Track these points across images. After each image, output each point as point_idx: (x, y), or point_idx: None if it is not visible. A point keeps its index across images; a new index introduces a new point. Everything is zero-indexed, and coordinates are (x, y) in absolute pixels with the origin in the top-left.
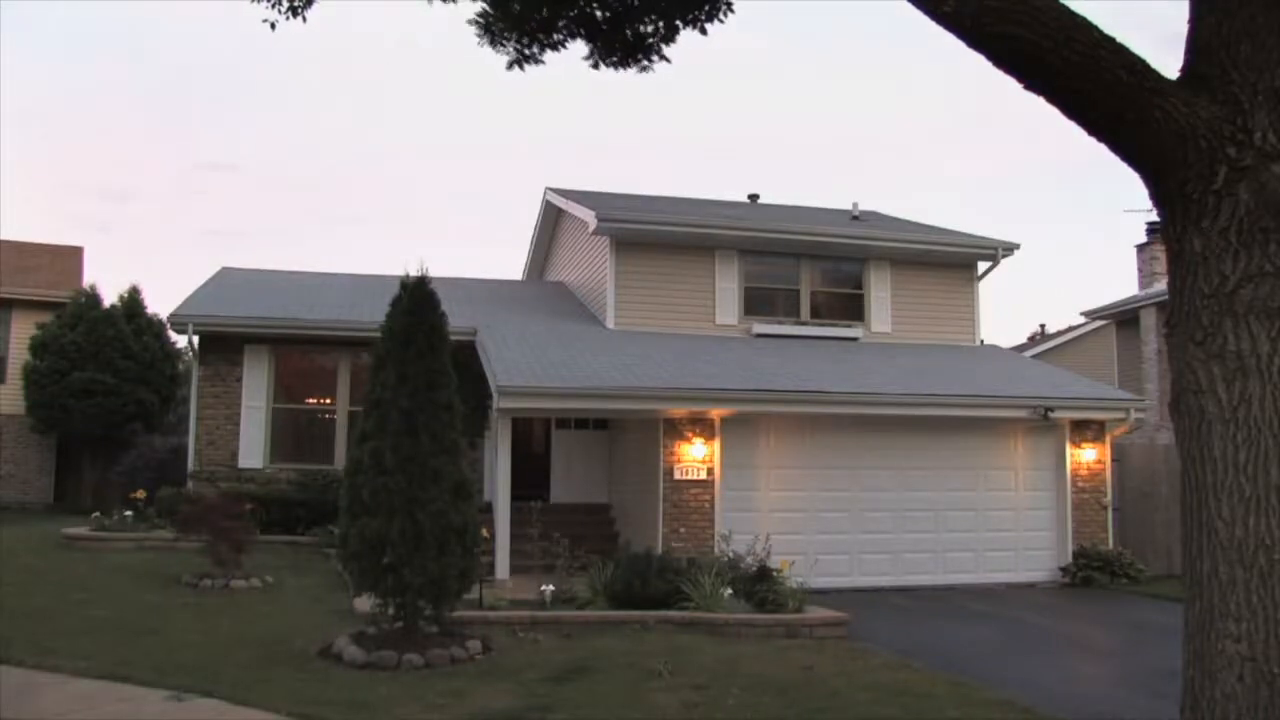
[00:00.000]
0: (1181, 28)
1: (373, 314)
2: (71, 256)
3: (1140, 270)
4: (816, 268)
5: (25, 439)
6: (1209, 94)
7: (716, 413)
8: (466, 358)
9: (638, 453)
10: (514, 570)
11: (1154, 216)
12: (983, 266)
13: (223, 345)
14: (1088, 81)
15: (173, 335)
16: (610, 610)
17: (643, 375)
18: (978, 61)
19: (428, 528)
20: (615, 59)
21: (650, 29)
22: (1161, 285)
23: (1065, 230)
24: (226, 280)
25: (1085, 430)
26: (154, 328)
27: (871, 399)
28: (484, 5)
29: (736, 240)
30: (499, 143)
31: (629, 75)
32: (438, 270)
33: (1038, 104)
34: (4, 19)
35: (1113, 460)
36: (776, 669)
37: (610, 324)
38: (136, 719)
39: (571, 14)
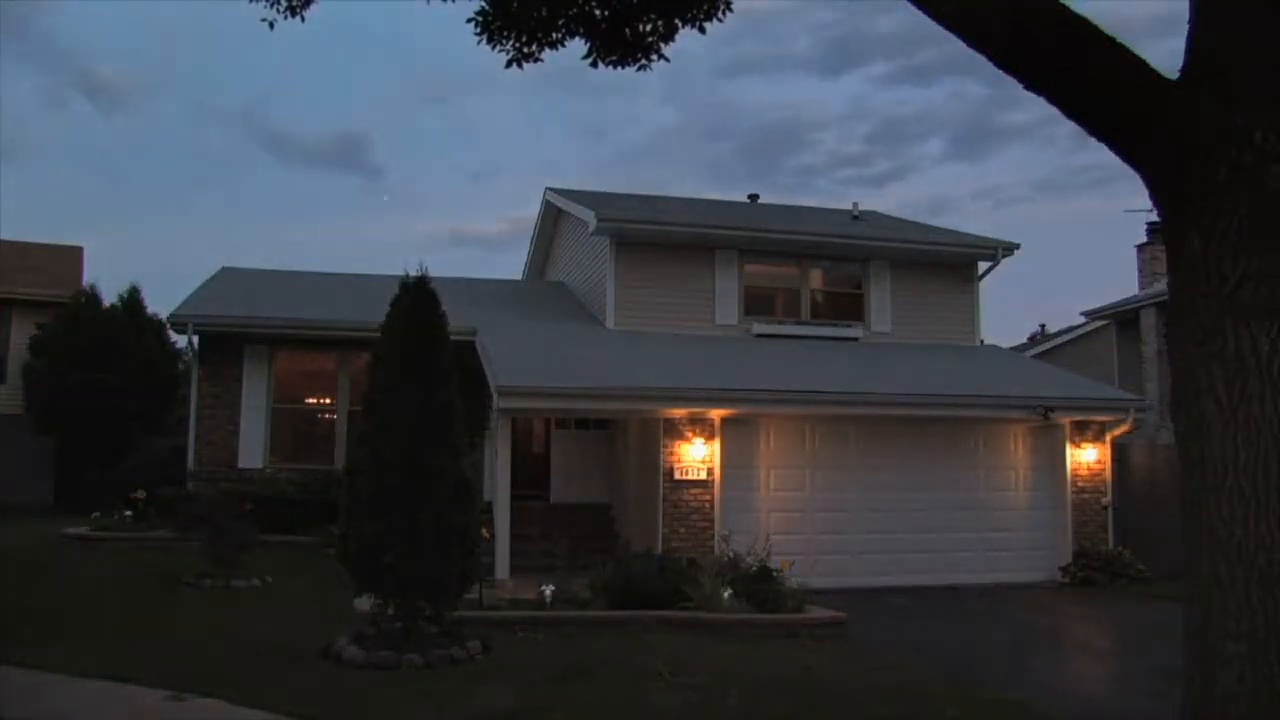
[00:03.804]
0: (1182, 27)
1: (373, 314)
2: (71, 256)
3: (1140, 270)
4: (816, 268)
5: (25, 439)
6: (1209, 94)
7: (716, 413)
8: (466, 358)
9: (638, 453)
10: (514, 570)
11: (1154, 216)
12: (983, 266)
13: (223, 345)
14: (1088, 82)
15: (173, 335)
16: (610, 610)
17: (643, 375)
18: (977, 60)
19: (428, 528)
20: (614, 57)
21: (649, 28)
22: (1161, 285)
23: (1065, 230)
24: (226, 280)
25: (1085, 430)
26: (154, 328)
27: (871, 399)
28: (483, 3)
29: (736, 240)
30: (500, 141)
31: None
32: (437, 270)
33: (1039, 103)
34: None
35: (1113, 460)
36: (776, 669)
37: (610, 324)
38: (136, 719)
39: (570, 13)
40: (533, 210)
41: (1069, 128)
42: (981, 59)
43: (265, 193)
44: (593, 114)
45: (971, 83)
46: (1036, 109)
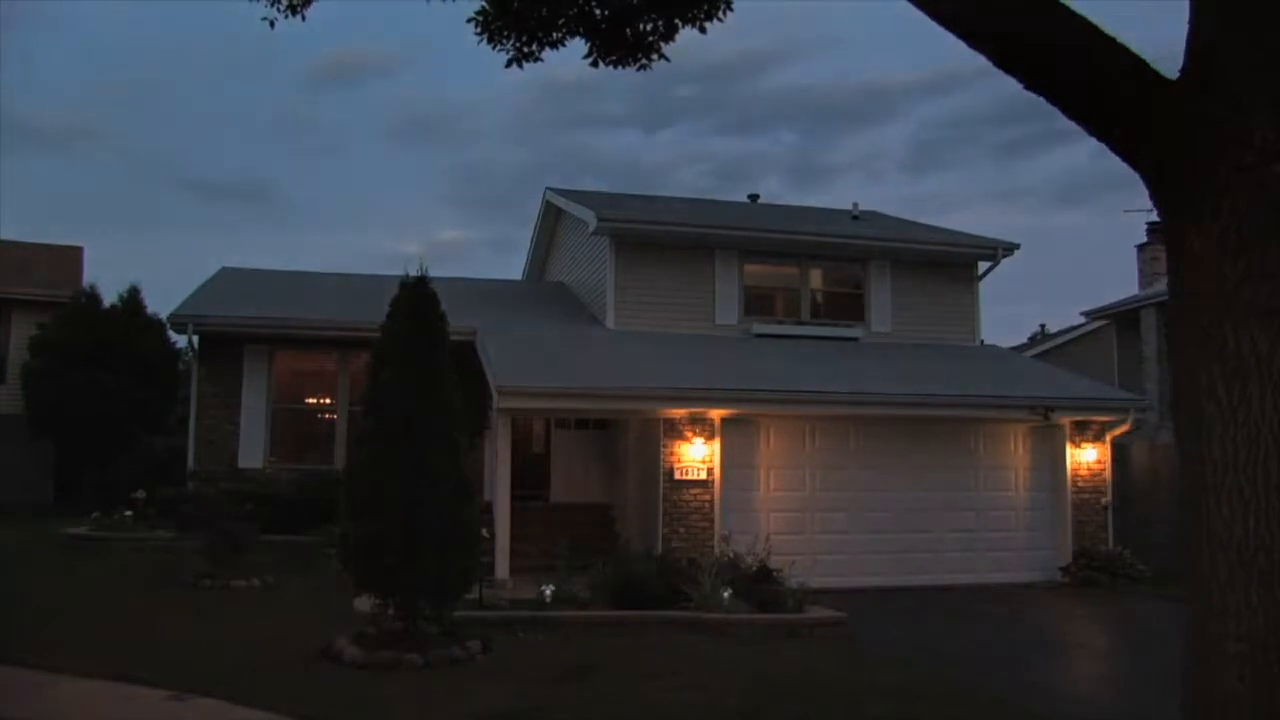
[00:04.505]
0: (1181, 28)
1: (373, 314)
2: (71, 256)
3: (1140, 270)
4: (816, 268)
5: (24, 439)
6: (1209, 93)
7: (716, 413)
8: (466, 358)
9: (638, 453)
10: (514, 570)
11: (1154, 216)
12: (983, 266)
13: (223, 345)
14: (1088, 82)
15: (173, 335)
16: (610, 610)
17: (643, 375)
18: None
19: (428, 528)
20: (614, 57)
21: (649, 27)
22: (1161, 285)
23: (1065, 230)
24: (226, 280)
25: (1085, 430)
26: (154, 328)
27: (871, 399)
28: (483, 3)
29: (736, 240)
30: (499, 140)
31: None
32: (437, 270)
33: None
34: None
35: (1113, 460)
36: (776, 669)
37: (610, 324)
38: (136, 719)
39: (571, 12)
40: (446, 236)
41: (895, 161)
42: (784, 108)
43: (181, 226)
44: (460, 156)
45: (785, 132)
46: (856, 149)
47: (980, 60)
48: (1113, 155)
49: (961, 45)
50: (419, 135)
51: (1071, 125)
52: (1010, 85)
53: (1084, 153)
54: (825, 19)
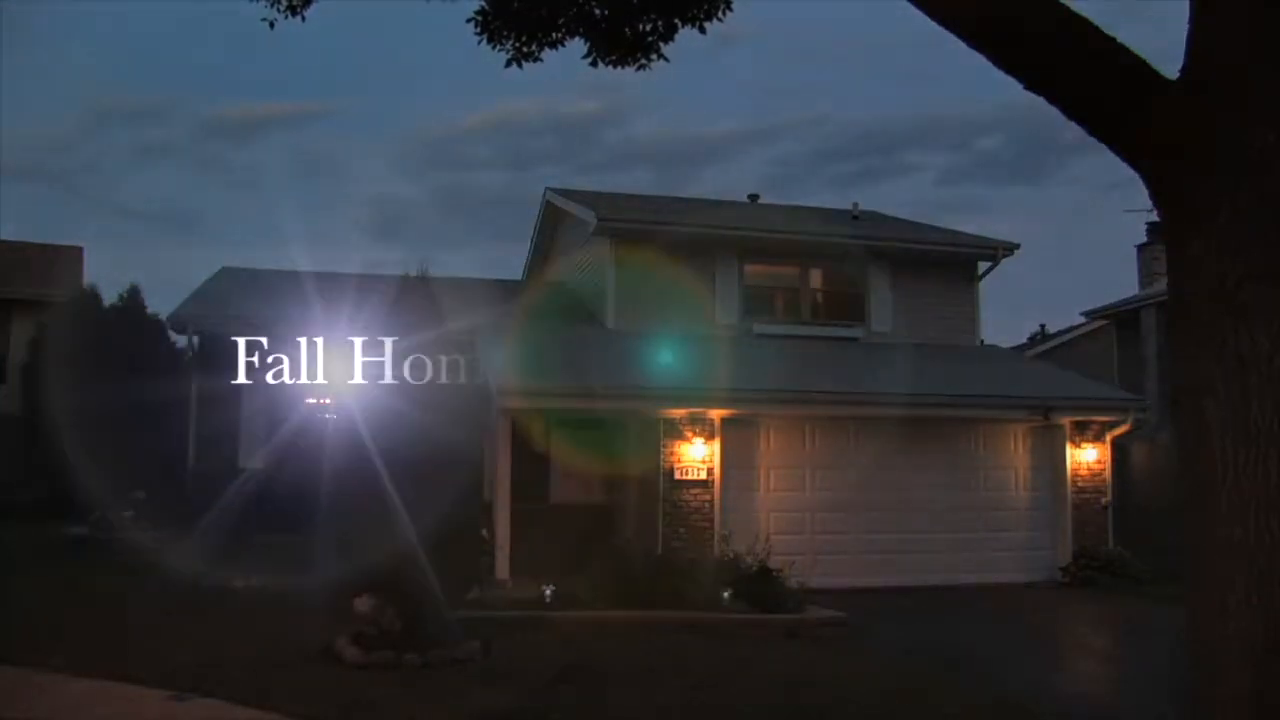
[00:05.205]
0: (1181, 28)
1: (373, 314)
2: (71, 256)
3: (1140, 270)
4: (817, 268)
5: (24, 439)
6: (1209, 94)
7: (716, 413)
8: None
9: (638, 453)
10: (514, 570)
11: (1154, 216)
12: (983, 266)
13: (222, 345)
14: (1088, 82)
15: (173, 335)
16: (610, 610)
17: (643, 375)
18: (976, 60)
19: (428, 528)
20: (614, 57)
21: (649, 27)
22: (1161, 285)
23: (1065, 230)
24: (226, 280)
25: (1085, 430)
26: (154, 328)
27: (871, 399)
28: (483, 3)
29: (736, 240)
30: (498, 140)
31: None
32: (437, 270)
33: (1039, 103)
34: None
35: (1113, 460)
36: (776, 669)
37: (610, 324)
38: (136, 719)
39: (571, 12)
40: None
41: (751, 192)
42: (631, 156)
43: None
44: (356, 190)
45: (640, 170)
46: (713, 183)
47: (797, 113)
48: (946, 183)
49: (772, 99)
50: (318, 175)
51: (888, 163)
52: (822, 133)
53: (926, 180)
54: (642, 84)
